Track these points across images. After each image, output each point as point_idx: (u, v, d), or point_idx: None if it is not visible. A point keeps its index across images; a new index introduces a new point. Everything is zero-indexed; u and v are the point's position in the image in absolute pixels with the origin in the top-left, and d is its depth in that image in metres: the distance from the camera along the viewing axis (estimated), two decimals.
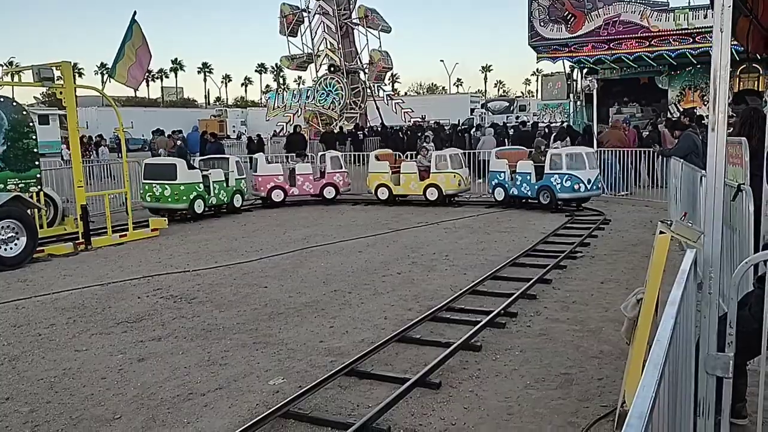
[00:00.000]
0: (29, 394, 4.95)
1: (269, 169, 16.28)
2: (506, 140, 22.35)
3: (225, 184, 14.78)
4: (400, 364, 5.31)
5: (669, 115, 21.73)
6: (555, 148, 15.25)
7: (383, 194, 15.69)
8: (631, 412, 1.13)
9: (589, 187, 13.27)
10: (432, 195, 15.02)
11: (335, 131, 27.61)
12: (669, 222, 3.64)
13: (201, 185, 14.04)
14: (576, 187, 13.26)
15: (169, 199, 13.74)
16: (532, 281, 7.53)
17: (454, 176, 14.93)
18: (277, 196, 15.94)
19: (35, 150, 11.32)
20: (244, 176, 15.60)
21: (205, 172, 14.34)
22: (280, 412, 4.38)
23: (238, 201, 15.14)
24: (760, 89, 21.46)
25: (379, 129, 27.73)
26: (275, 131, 34.41)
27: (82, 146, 27.05)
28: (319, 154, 18.01)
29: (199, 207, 13.96)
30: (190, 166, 14.32)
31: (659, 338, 1.55)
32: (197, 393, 4.87)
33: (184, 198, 13.71)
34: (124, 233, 11.71)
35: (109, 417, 4.51)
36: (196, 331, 6.33)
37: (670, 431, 1.80)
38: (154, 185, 13.83)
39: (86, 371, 5.38)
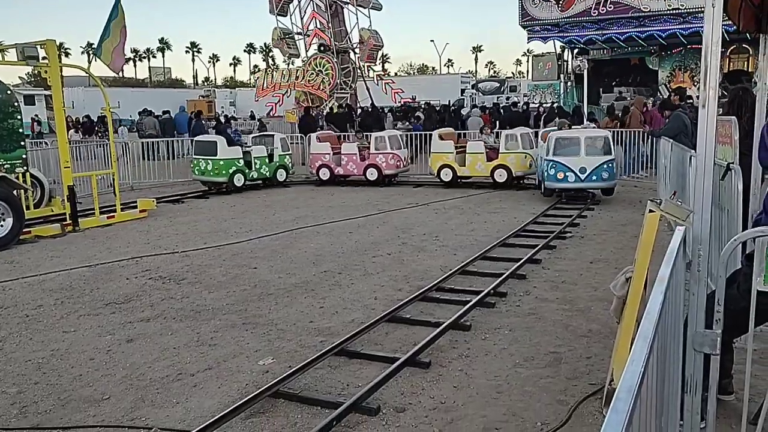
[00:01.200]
0: (17, 375, 4.92)
1: (318, 148, 16.20)
2: (497, 121, 22.30)
3: (268, 160, 15.77)
4: (390, 344, 5.31)
5: (659, 96, 21.73)
6: (553, 130, 15.02)
7: (447, 176, 14.76)
8: (619, 387, 1.12)
9: (582, 177, 11.57)
10: (501, 177, 14.17)
11: (332, 111, 27.05)
12: (658, 201, 3.63)
13: (241, 161, 15.05)
14: (560, 176, 11.78)
15: (211, 173, 14.85)
16: (521, 261, 7.55)
17: (525, 157, 14.19)
18: (324, 174, 16.02)
19: (21, 130, 11.15)
20: (289, 152, 16.59)
21: (247, 149, 15.36)
22: (270, 391, 4.38)
23: (281, 176, 16.16)
24: (749, 70, 21.49)
25: (369, 110, 27.45)
26: (267, 113, 34.15)
27: (89, 127, 26.76)
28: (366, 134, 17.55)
29: (238, 181, 15.01)
30: (230, 143, 15.15)
31: (648, 313, 1.54)
32: (186, 373, 4.86)
33: (224, 172, 14.77)
34: (111, 214, 11.62)
35: (98, 398, 4.49)
36: (185, 312, 6.31)
37: (658, 407, 1.80)
38: (200, 160, 15.00)
39: (74, 352, 5.36)
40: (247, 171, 15.24)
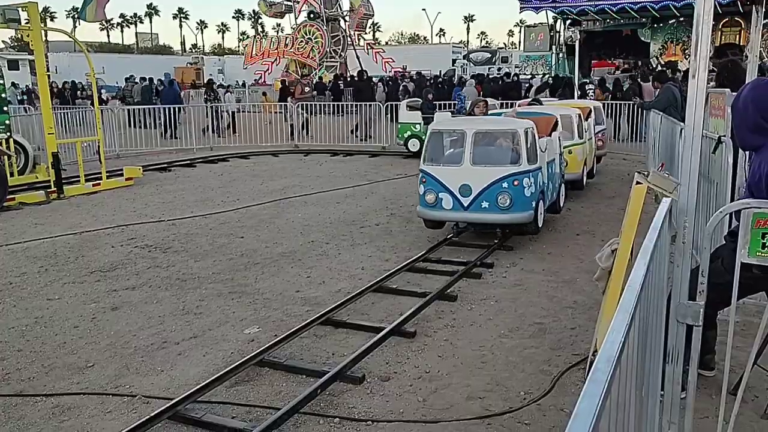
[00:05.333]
0: (0, 343, 4.88)
1: (408, 117, 15.23)
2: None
3: None
4: (376, 314, 5.32)
5: (650, 68, 21.65)
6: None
7: (414, 146, 14.49)
8: (599, 356, 1.11)
9: (465, 203, 6.94)
10: None
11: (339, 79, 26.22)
12: (646, 173, 3.62)
13: (417, 126, 14.82)
14: (430, 198, 7.21)
15: (398, 138, 15.36)
16: (508, 233, 7.54)
17: None
18: (413, 145, 14.74)
19: (3, 95, 10.96)
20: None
21: (425, 115, 14.90)
22: (255, 360, 4.39)
23: None
24: (741, 43, 21.42)
25: (356, 78, 27.04)
26: (255, 80, 33.71)
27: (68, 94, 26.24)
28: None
29: (413, 146, 14.60)
30: (411, 108, 15.14)
31: (630, 285, 1.52)
32: (171, 342, 4.85)
33: (400, 137, 15.21)
34: (97, 182, 11.49)
35: (82, 365, 4.48)
36: (171, 281, 6.28)
37: (639, 376, 1.80)
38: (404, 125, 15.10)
39: (58, 320, 5.33)
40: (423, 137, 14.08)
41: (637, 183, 3.58)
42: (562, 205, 8.47)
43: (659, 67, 20.87)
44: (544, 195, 7.37)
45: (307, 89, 21.98)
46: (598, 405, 0.98)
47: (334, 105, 19.96)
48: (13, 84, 25.58)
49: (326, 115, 18.97)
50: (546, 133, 8.06)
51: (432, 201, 7.08)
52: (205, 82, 24.47)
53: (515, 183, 6.77)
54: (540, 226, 7.28)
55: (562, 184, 8.50)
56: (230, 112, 19.97)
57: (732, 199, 4.58)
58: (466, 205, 6.90)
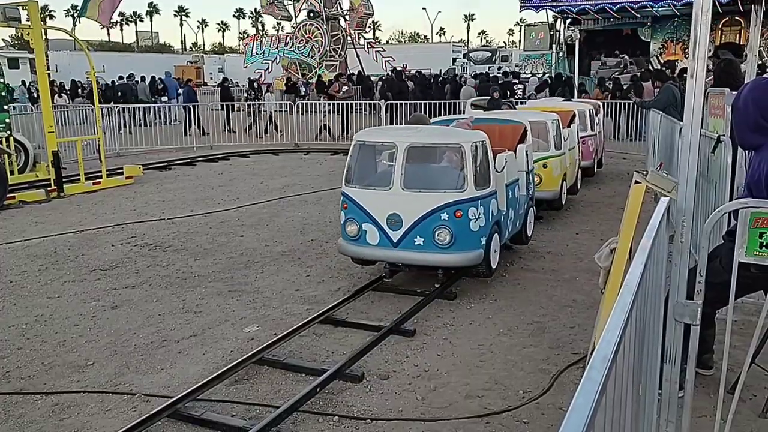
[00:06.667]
0: (0, 341, 4.89)
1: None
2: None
3: None
4: (375, 313, 5.33)
5: (650, 67, 21.64)
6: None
7: None
8: (594, 355, 1.12)
9: (394, 238, 5.52)
10: None
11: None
12: (644, 172, 3.62)
13: None
14: (352, 230, 5.85)
15: None
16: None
17: None
18: None
19: (3, 94, 10.97)
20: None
21: None
22: (255, 358, 4.40)
23: None
24: (741, 43, 21.41)
25: (393, 77, 26.80)
26: (256, 80, 33.69)
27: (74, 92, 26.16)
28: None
29: None
30: (476, 107, 13.80)
31: (627, 284, 1.53)
32: (171, 340, 4.86)
33: None
34: (97, 180, 11.49)
35: (82, 363, 4.49)
36: (171, 279, 6.29)
37: (636, 375, 1.81)
38: None
39: (58, 318, 5.33)
40: None
41: (636, 182, 3.59)
42: (530, 233, 7.02)
43: (658, 66, 20.87)
44: (500, 227, 5.94)
45: (345, 87, 21.11)
46: (594, 403, 0.99)
47: (370, 104, 19.52)
48: (22, 83, 25.58)
49: (328, 115, 18.93)
50: (511, 146, 6.76)
51: (354, 233, 5.67)
52: (248, 80, 24.10)
53: (457, 214, 5.33)
54: (494, 267, 5.80)
55: (532, 208, 7.09)
56: (269, 112, 19.39)
57: (731, 199, 4.59)
58: (395, 240, 5.47)
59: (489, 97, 14.42)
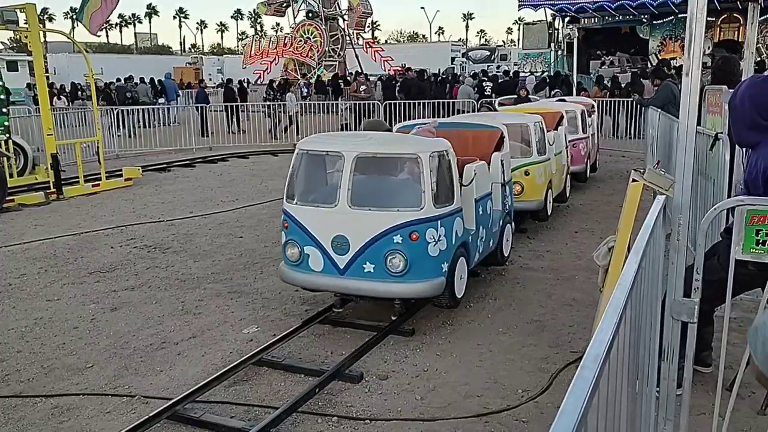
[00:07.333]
0: (0, 344, 4.90)
1: None
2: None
3: None
4: (375, 313, 5.33)
5: (648, 65, 21.66)
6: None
7: None
8: (586, 354, 1.12)
9: (341, 264, 4.76)
10: None
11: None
12: (642, 170, 3.62)
13: None
14: (293, 253, 5.11)
15: None
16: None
17: None
18: None
19: (2, 97, 10.97)
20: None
21: None
22: (254, 359, 4.41)
23: None
24: (740, 40, 21.41)
25: (416, 77, 26.63)
26: (255, 81, 33.70)
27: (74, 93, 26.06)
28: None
29: None
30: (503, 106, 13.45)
31: (621, 283, 1.53)
32: (170, 342, 4.86)
33: None
34: (96, 183, 11.49)
35: (81, 366, 4.49)
36: (170, 281, 6.29)
37: (632, 373, 1.81)
38: None
39: (58, 321, 5.34)
40: None
41: (633, 180, 3.59)
42: (508, 253, 6.36)
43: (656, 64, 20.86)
44: (467, 249, 5.20)
45: (363, 87, 20.69)
46: (585, 402, 0.99)
47: (334, 104, 19.74)
48: (27, 85, 25.54)
49: (325, 114, 18.94)
50: (487, 154, 6.09)
51: (295, 258, 4.91)
52: (269, 81, 23.83)
53: (413, 236, 4.59)
54: (460, 296, 5.12)
55: (509, 224, 6.40)
56: (291, 113, 19.06)
57: (729, 196, 4.59)
58: (341, 266, 4.72)
59: (515, 96, 13.94)
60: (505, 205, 6.26)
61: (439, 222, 4.71)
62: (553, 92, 15.92)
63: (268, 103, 19.31)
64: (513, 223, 6.57)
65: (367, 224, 4.65)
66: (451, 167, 4.98)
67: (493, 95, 17.81)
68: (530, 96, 13.47)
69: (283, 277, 5.10)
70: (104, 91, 21.57)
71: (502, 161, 6.18)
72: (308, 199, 5.02)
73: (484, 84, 19.91)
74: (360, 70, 27.38)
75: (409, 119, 14.98)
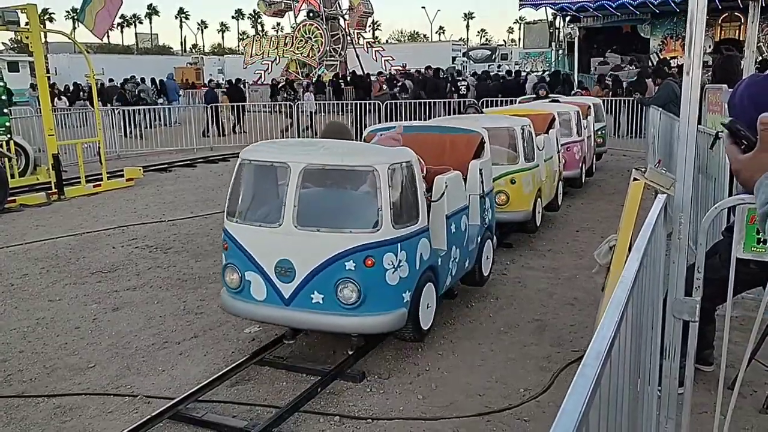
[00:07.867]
0: (1, 344, 4.91)
1: None
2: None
3: None
4: None
5: (650, 64, 21.64)
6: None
7: None
8: (588, 352, 1.12)
9: (286, 293, 4.12)
10: None
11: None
12: (643, 169, 3.62)
13: None
14: (232, 280, 4.48)
15: None
16: (507, 230, 7.52)
17: None
18: None
19: (3, 97, 10.99)
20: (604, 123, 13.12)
21: None
22: (256, 359, 4.41)
23: None
24: (741, 38, 21.40)
25: (350, 77, 26.77)
26: (256, 81, 33.71)
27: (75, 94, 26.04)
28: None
29: None
30: None
31: (622, 281, 1.54)
32: (172, 341, 4.87)
33: None
34: (98, 183, 11.50)
35: (83, 366, 4.50)
36: (172, 281, 6.30)
37: (633, 372, 1.81)
38: None
39: (60, 321, 5.35)
40: None
41: (635, 179, 3.59)
42: (488, 272, 5.67)
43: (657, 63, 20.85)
44: (435, 273, 4.57)
45: (385, 87, 20.30)
46: (586, 400, 0.99)
47: (335, 104, 19.65)
48: (31, 86, 25.58)
49: (327, 114, 18.94)
50: (463, 163, 5.41)
51: (235, 284, 4.30)
52: (285, 80, 23.66)
53: (368, 262, 3.97)
54: (426, 328, 4.52)
55: (490, 240, 5.73)
56: (309, 113, 18.98)
57: (730, 195, 4.59)
58: (286, 296, 4.10)
59: (534, 96, 13.48)
60: (485, 219, 5.57)
61: (399, 245, 4.05)
62: (539, 90, 15.03)
63: (288, 102, 19.25)
64: (495, 238, 5.93)
65: (315, 247, 4.01)
66: (415, 180, 4.30)
67: (469, 95, 17.50)
68: (551, 95, 12.58)
69: (223, 306, 4.50)
70: (119, 92, 21.56)
71: (481, 170, 5.49)
72: (250, 216, 4.36)
73: (459, 84, 19.55)
74: (382, 70, 27.20)
75: (424, 119, 14.80)
